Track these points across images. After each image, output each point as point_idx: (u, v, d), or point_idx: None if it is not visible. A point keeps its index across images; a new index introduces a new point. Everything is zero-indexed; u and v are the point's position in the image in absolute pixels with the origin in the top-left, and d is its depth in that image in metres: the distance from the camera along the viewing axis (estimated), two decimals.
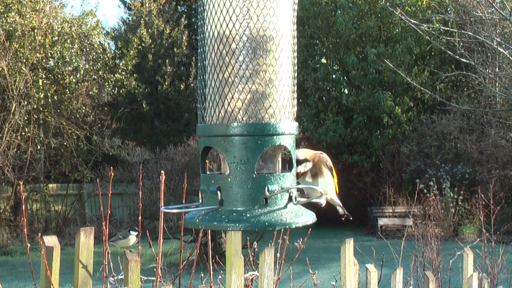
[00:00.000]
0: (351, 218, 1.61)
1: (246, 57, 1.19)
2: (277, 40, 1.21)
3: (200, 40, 1.27)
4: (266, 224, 1.15)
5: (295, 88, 1.27)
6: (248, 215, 1.16)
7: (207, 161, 1.85)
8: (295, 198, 1.21)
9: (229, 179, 1.18)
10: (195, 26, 17.01)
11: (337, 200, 1.57)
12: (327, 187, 1.50)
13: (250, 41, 1.19)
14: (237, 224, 1.15)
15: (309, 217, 1.21)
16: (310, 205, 1.27)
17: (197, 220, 1.19)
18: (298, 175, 1.48)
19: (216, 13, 1.20)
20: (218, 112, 1.21)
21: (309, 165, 1.53)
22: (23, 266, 10.01)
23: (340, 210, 1.60)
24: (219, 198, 1.18)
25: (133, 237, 5.18)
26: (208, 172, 1.29)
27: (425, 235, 5.52)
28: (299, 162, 1.53)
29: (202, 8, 1.25)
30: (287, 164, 1.25)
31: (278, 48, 1.21)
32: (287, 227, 1.18)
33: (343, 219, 1.59)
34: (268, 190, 1.17)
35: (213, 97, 1.22)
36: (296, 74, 1.27)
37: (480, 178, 13.01)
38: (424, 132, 14.47)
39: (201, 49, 1.26)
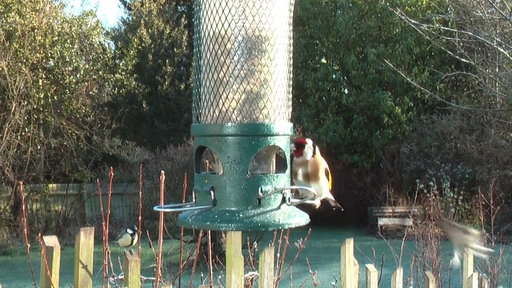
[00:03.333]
0: (342, 210, 1.60)
1: (241, 57, 1.19)
2: (272, 41, 1.21)
3: (195, 39, 1.27)
4: (259, 224, 1.14)
5: (291, 89, 1.26)
6: (241, 215, 1.15)
7: (207, 161, 1.85)
8: (289, 199, 1.21)
9: (222, 179, 1.18)
10: None
11: (330, 197, 1.56)
12: (322, 190, 1.48)
13: (246, 41, 1.19)
14: (229, 224, 1.14)
15: (302, 218, 1.20)
16: (304, 206, 1.27)
17: (190, 220, 1.18)
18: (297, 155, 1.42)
19: (212, 12, 1.20)
20: (212, 112, 1.21)
21: (310, 152, 1.47)
22: (23, 266, 10.00)
23: (332, 203, 1.60)
24: (212, 198, 1.18)
25: (130, 236, 5.16)
26: (202, 172, 1.28)
27: (425, 235, 5.51)
28: (301, 146, 1.41)
29: (198, 7, 1.25)
30: (281, 165, 1.25)
31: (273, 49, 1.21)
32: (280, 228, 1.17)
33: (334, 209, 1.58)
34: (261, 191, 1.17)
35: (207, 96, 1.22)
36: (291, 75, 1.27)
37: (480, 178, 12.99)
38: (424, 132, 14.45)
39: (197, 49, 1.26)
